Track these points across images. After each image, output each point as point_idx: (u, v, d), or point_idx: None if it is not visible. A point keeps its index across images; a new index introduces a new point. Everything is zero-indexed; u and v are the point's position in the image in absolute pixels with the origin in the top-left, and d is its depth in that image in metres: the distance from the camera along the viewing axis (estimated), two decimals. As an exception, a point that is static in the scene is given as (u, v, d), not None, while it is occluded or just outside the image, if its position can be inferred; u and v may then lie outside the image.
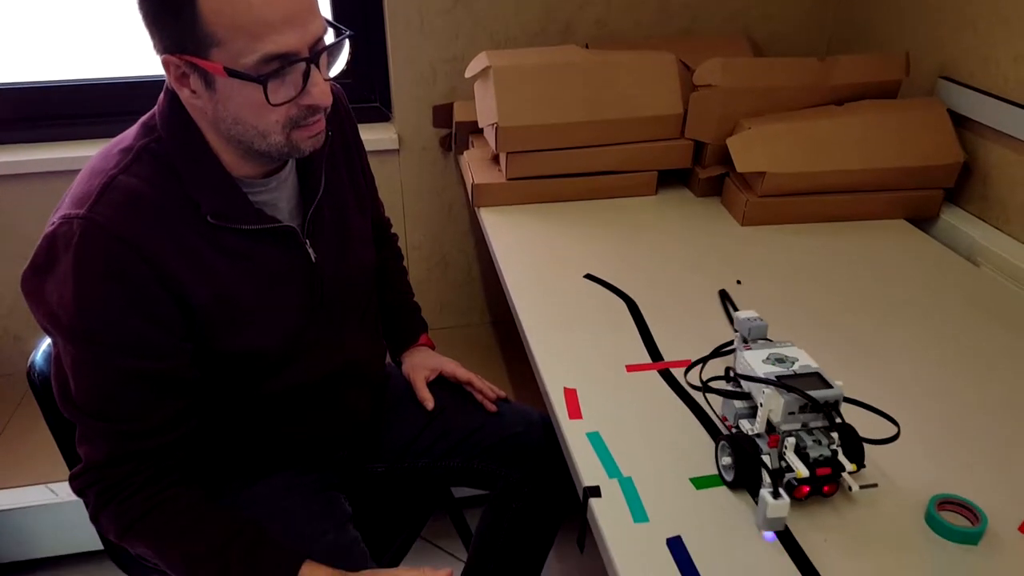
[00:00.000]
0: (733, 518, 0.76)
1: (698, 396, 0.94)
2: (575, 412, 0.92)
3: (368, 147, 1.11)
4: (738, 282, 1.19)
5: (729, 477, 0.78)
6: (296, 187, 0.93)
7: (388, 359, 1.22)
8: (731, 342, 0.95)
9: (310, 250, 0.92)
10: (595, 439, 0.87)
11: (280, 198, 0.90)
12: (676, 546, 0.72)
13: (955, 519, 0.75)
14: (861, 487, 0.74)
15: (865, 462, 0.77)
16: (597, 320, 1.10)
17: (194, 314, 0.82)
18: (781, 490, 0.72)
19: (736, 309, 0.92)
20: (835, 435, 0.74)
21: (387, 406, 1.15)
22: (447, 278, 1.98)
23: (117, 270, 0.76)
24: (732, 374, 0.83)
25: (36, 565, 1.56)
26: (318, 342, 0.95)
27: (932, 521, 0.74)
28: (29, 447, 1.56)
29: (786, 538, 0.74)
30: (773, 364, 0.77)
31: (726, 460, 0.79)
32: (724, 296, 1.08)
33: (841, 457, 0.74)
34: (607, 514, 0.77)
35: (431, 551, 0.88)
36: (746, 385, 0.80)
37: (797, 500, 0.74)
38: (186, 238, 0.81)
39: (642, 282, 1.19)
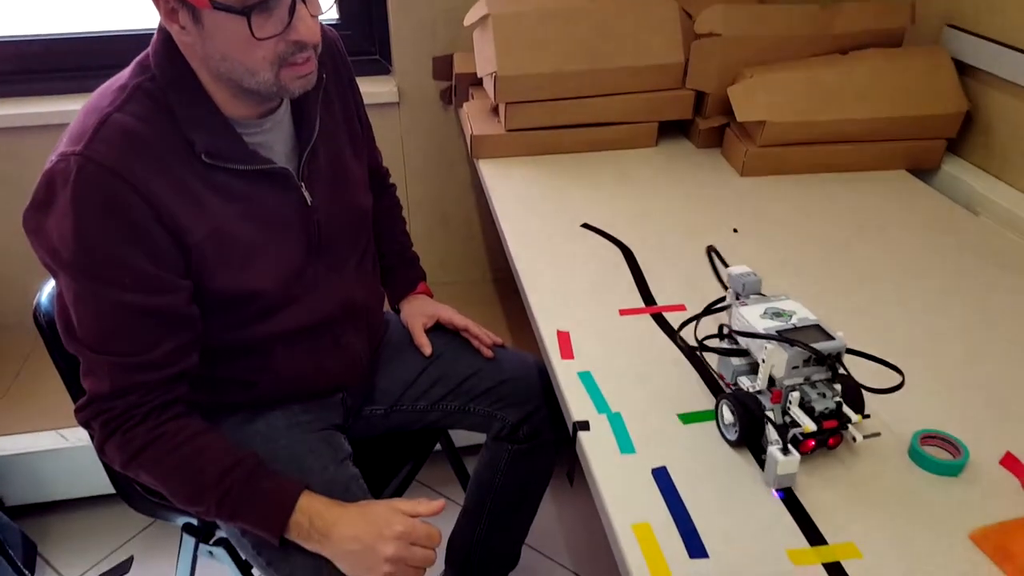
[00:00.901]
0: (717, 450, 0.78)
1: (692, 339, 0.95)
2: (567, 353, 0.93)
3: (368, 100, 1.11)
4: (734, 230, 1.20)
5: (732, 436, 0.76)
6: (291, 130, 0.93)
7: (387, 307, 1.23)
8: (722, 299, 0.93)
9: (306, 193, 0.93)
10: (586, 378, 0.89)
11: (275, 140, 0.91)
12: (661, 476, 0.74)
13: (938, 453, 0.76)
14: (865, 437, 0.74)
15: (867, 411, 0.76)
16: (592, 267, 1.11)
17: (190, 252, 0.84)
18: (790, 446, 0.71)
19: (726, 265, 0.90)
20: (838, 387, 0.73)
21: (385, 352, 1.17)
22: (448, 234, 1.98)
23: (114, 205, 0.77)
24: (727, 331, 0.81)
25: (49, 508, 1.61)
26: (316, 285, 0.97)
27: (915, 455, 0.75)
28: (40, 394, 1.59)
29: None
30: (771, 319, 0.76)
31: (728, 418, 0.77)
32: (712, 252, 1.06)
33: (846, 408, 0.72)
34: (595, 447, 0.78)
35: (430, 496, 0.90)
36: (743, 341, 0.79)
37: (802, 455, 0.73)
38: (181, 176, 0.82)
39: (639, 231, 1.19)
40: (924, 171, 1.39)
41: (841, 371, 0.73)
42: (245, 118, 0.87)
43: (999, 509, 0.70)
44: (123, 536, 1.60)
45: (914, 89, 1.33)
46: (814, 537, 0.68)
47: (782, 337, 0.72)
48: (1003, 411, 0.83)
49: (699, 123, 1.46)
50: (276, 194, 0.90)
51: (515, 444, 1.15)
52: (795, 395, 0.72)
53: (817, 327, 0.74)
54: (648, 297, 1.04)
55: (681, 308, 1.01)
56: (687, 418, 0.82)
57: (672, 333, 0.96)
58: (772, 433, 0.72)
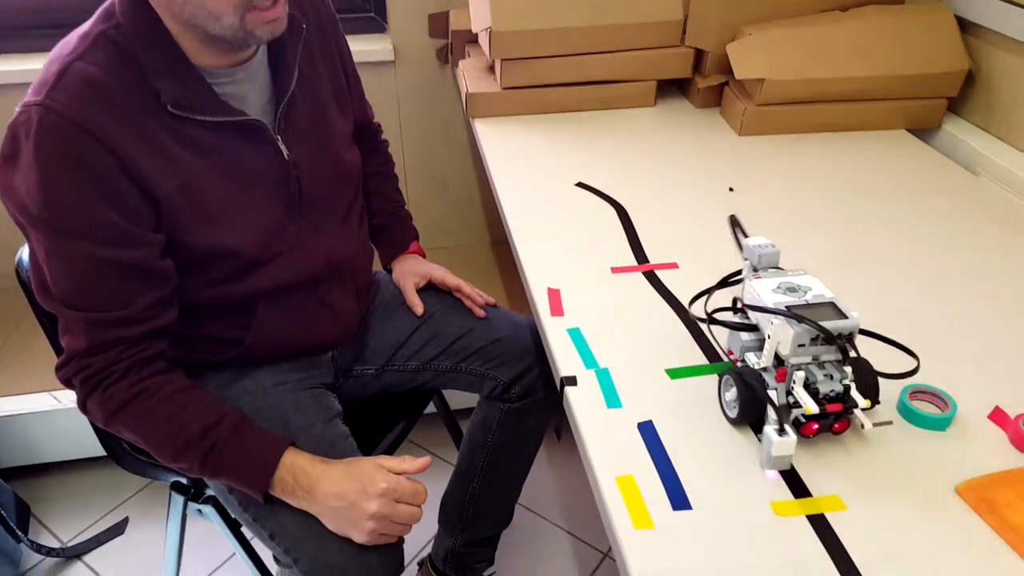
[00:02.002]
0: (704, 405, 0.77)
1: (683, 297, 0.94)
2: (557, 310, 0.92)
3: (362, 59, 1.09)
4: (730, 189, 1.18)
5: (733, 414, 0.73)
6: (268, 81, 0.91)
7: (379, 266, 1.22)
8: (739, 271, 0.86)
9: (282, 147, 0.91)
10: (575, 334, 0.88)
11: (249, 90, 0.88)
12: (647, 429, 0.73)
13: (926, 407, 0.75)
14: (875, 424, 0.70)
15: (880, 398, 0.71)
16: (586, 225, 1.09)
17: (159, 205, 0.82)
18: (787, 427, 0.67)
19: (746, 235, 0.85)
20: (848, 369, 0.69)
21: (376, 312, 1.16)
22: (446, 199, 1.96)
23: (76, 156, 0.75)
24: (740, 305, 0.77)
25: (43, 470, 1.62)
26: (298, 242, 0.95)
27: (903, 409, 0.74)
28: (33, 356, 1.59)
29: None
30: (784, 293, 0.71)
31: (730, 395, 0.74)
32: (734, 223, 0.98)
33: (854, 393, 0.68)
34: (582, 401, 0.78)
35: (422, 455, 0.89)
36: (753, 316, 0.75)
37: (805, 438, 0.70)
38: (147, 127, 0.80)
39: (634, 191, 1.18)
40: (924, 131, 1.36)
41: (853, 353, 0.68)
42: (216, 67, 0.84)
43: (986, 463, 0.69)
44: (118, 498, 1.61)
45: (915, 47, 1.30)
46: (798, 489, 0.67)
47: (789, 313, 0.68)
48: (992, 366, 0.82)
49: (698, 82, 1.44)
50: (250, 147, 0.88)
51: (507, 403, 1.15)
52: (800, 375, 0.68)
53: (831, 305, 0.70)
54: (641, 255, 1.03)
55: (673, 266, 1.00)
56: (675, 373, 0.81)
57: (665, 291, 0.95)
58: (771, 413, 0.69)
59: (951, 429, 0.73)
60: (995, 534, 0.63)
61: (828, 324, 0.67)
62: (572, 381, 0.80)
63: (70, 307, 0.81)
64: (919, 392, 0.76)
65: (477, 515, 1.23)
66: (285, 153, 0.91)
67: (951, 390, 0.76)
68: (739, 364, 0.77)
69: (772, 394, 0.69)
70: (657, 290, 0.96)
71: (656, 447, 0.72)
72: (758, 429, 0.73)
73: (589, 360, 0.83)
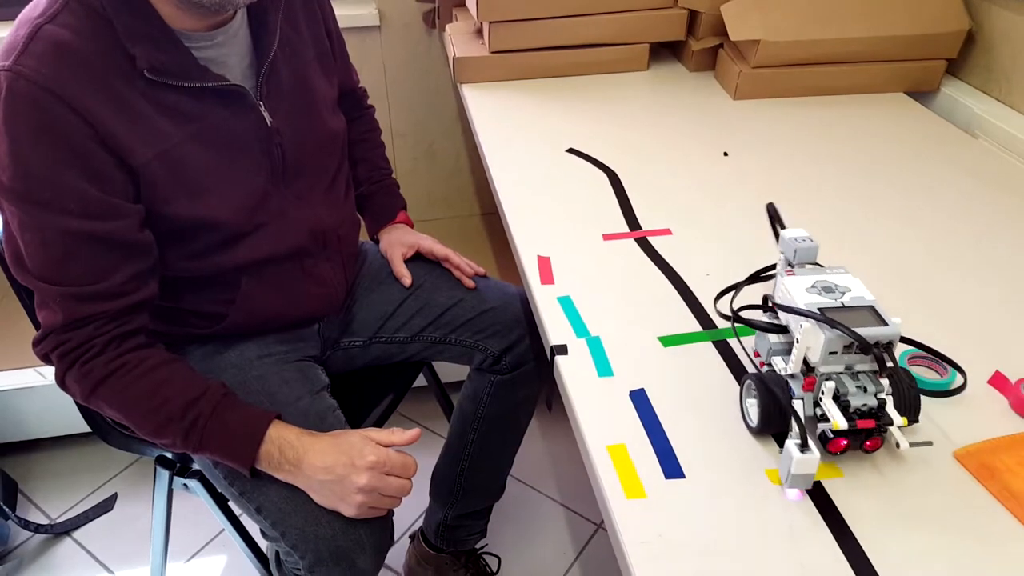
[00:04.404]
0: (697, 372, 0.75)
1: (676, 263, 0.92)
2: (547, 278, 0.90)
3: (347, 24, 1.05)
4: (724, 154, 1.15)
5: (754, 422, 0.67)
6: (249, 45, 0.88)
7: (366, 237, 1.19)
8: (771, 266, 0.79)
9: (265, 113, 0.88)
10: (566, 303, 0.86)
11: (229, 55, 0.85)
12: (639, 398, 0.72)
13: (926, 372, 0.73)
14: (912, 445, 0.63)
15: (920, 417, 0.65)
16: (577, 192, 1.07)
17: (137, 175, 0.79)
18: (811, 442, 0.61)
19: (783, 227, 0.75)
20: (884, 382, 0.62)
21: (364, 283, 1.13)
22: (434, 169, 1.93)
23: (48, 124, 0.72)
24: (771, 303, 0.70)
25: (30, 446, 1.60)
26: (282, 212, 0.92)
27: (902, 375, 0.73)
28: (17, 331, 1.57)
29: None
30: (819, 294, 0.65)
31: (751, 402, 0.68)
32: (772, 213, 0.86)
33: (890, 408, 0.62)
34: (573, 370, 0.76)
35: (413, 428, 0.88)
36: (783, 316, 0.68)
37: (832, 455, 0.63)
38: (122, 94, 0.76)
39: (626, 156, 1.15)
40: (923, 93, 1.33)
41: (890, 364, 0.62)
42: (194, 31, 0.80)
43: (986, 428, 0.68)
44: (106, 474, 1.59)
45: (913, 7, 1.27)
46: (782, 438, 0.65)
47: (822, 316, 0.61)
48: (993, 331, 0.80)
49: (692, 44, 1.40)
50: (231, 114, 0.85)
51: (498, 375, 1.13)
52: (829, 385, 0.62)
53: (871, 309, 0.63)
54: (633, 222, 1.00)
55: (667, 232, 0.98)
56: (668, 341, 0.79)
57: (658, 258, 0.93)
58: (794, 425, 0.62)
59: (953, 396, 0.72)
60: (994, 500, 0.61)
61: (864, 331, 0.60)
62: (563, 350, 0.78)
63: (45, 281, 0.78)
64: (918, 357, 0.74)
65: (468, 488, 1.21)
66: (268, 120, 0.88)
67: (951, 355, 0.75)
68: (765, 368, 0.70)
69: (797, 404, 0.63)
70: (650, 257, 0.93)
71: (648, 415, 0.70)
72: (781, 440, 0.67)
73: (580, 328, 0.81)
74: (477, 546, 1.32)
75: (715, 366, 0.76)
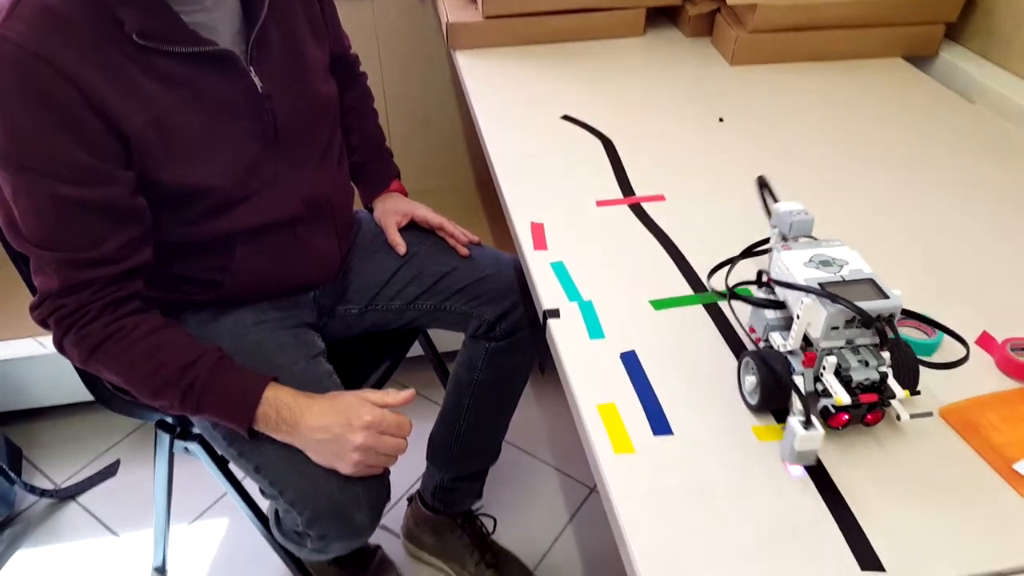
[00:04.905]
0: (687, 334, 0.76)
1: (669, 229, 0.92)
2: (540, 244, 0.90)
3: (337, -9, 1.04)
4: (720, 119, 1.15)
5: (753, 400, 0.66)
6: (238, 9, 0.87)
7: (360, 205, 1.20)
8: (765, 240, 0.77)
9: (255, 78, 0.87)
10: (558, 268, 0.86)
11: (218, 19, 0.84)
12: (629, 359, 0.73)
13: (913, 333, 0.74)
14: (912, 416, 0.63)
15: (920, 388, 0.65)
16: (571, 159, 1.07)
17: (128, 141, 0.79)
18: (814, 418, 0.60)
19: (776, 200, 0.74)
20: (886, 355, 0.62)
21: (358, 252, 1.14)
22: (429, 137, 1.92)
23: (37, 89, 0.72)
24: (766, 279, 0.70)
25: (34, 415, 1.62)
26: (275, 180, 0.93)
27: (889, 336, 0.73)
28: (17, 301, 1.57)
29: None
30: (817, 267, 0.64)
31: (750, 380, 0.66)
32: (763, 185, 0.83)
33: (892, 381, 0.62)
34: (565, 333, 0.77)
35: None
36: (780, 292, 0.67)
37: (833, 429, 0.63)
38: (111, 59, 0.76)
39: (621, 123, 1.14)
40: (921, 59, 1.33)
41: (891, 336, 0.61)
42: None
43: (972, 388, 0.69)
44: (109, 441, 1.61)
45: (914, -31, 1.26)
46: (781, 414, 0.66)
47: (823, 291, 0.60)
48: (981, 292, 0.81)
49: (688, 9, 1.39)
50: (222, 80, 0.84)
51: (492, 342, 1.14)
52: (831, 360, 0.61)
53: (870, 282, 0.62)
54: (627, 188, 1.01)
55: (660, 198, 0.98)
56: (659, 304, 0.80)
57: (651, 224, 0.93)
58: (796, 402, 0.62)
59: (938, 354, 0.73)
60: (977, 455, 0.63)
61: (866, 305, 0.59)
62: (555, 313, 0.79)
63: (40, 247, 0.78)
64: (907, 319, 0.75)
65: (464, 452, 1.23)
66: (258, 85, 0.88)
67: (939, 316, 0.75)
68: (762, 344, 0.70)
69: (798, 380, 0.63)
70: (643, 222, 0.94)
71: (638, 376, 0.71)
72: (779, 416, 0.67)
73: (572, 293, 0.82)
74: (473, 508, 1.34)
75: (705, 329, 0.77)
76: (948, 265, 0.86)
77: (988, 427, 0.64)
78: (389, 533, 1.41)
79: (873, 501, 0.59)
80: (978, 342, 0.74)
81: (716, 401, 0.68)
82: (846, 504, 0.59)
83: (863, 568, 0.55)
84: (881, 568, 0.54)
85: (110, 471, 1.55)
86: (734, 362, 0.73)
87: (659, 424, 0.65)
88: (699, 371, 0.72)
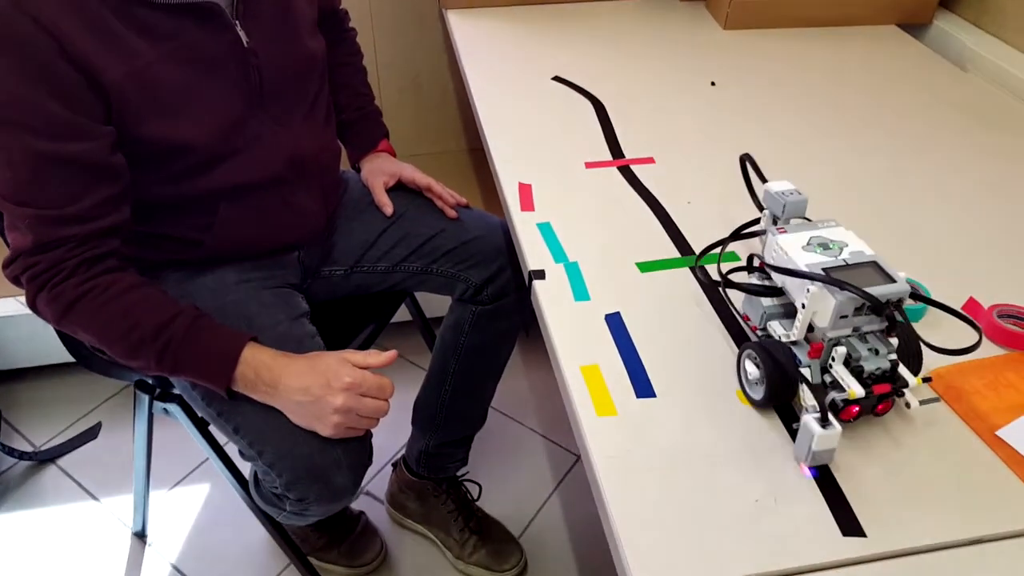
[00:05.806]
0: (673, 297, 0.75)
1: (658, 191, 0.91)
2: (528, 205, 0.89)
3: (325, -60, 1.01)
4: (712, 83, 1.13)
5: (756, 395, 0.62)
6: None
7: (347, 165, 1.17)
8: (754, 222, 0.74)
9: (241, 32, 0.85)
10: (545, 229, 0.85)
11: None
12: (614, 321, 0.72)
13: (900, 299, 0.73)
14: (921, 403, 0.59)
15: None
16: (561, 120, 1.05)
17: (108, 94, 0.76)
18: (831, 415, 0.57)
19: (764, 180, 0.71)
20: (895, 341, 0.59)
21: (345, 212, 1.12)
22: (420, 100, 1.89)
23: (14, 40, 0.70)
24: (758, 263, 0.66)
25: (14, 376, 1.60)
26: (259, 138, 0.90)
27: (877, 301, 0.73)
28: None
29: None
30: (816, 251, 0.60)
31: (752, 373, 0.62)
32: (748, 162, 0.78)
33: (902, 369, 0.59)
34: (550, 294, 0.76)
35: (398, 362, 0.87)
36: (778, 279, 0.63)
37: (843, 423, 0.59)
38: (91, 9, 0.73)
39: (612, 85, 1.13)
40: (915, 26, 1.31)
41: (899, 320, 0.57)
42: None
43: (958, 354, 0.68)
44: (91, 404, 1.60)
45: (914, -67, 1.23)
46: (779, 411, 0.65)
47: (830, 278, 0.56)
48: (969, 259, 0.81)
49: (682, -28, 1.36)
50: (206, 33, 0.82)
51: (480, 305, 1.13)
52: (840, 350, 0.58)
53: (874, 265, 0.58)
54: (616, 150, 0.99)
55: (650, 161, 0.97)
56: (645, 267, 0.79)
57: (639, 186, 0.92)
58: (808, 398, 0.58)
59: (924, 319, 0.72)
60: (961, 421, 0.62)
61: (876, 290, 0.55)
62: (540, 275, 0.78)
63: (14, 203, 0.76)
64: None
65: (450, 416, 1.23)
66: (244, 40, 0.85)
67: (927, 282, 0.75)
68: (759, 334, 0.66)
69: (805, 373, 0.59)
70: (632, 185, 0.92)
71: (623, 337, 0.70)
72: (782, 411, 0.64)
73: (559, 254, 0.81)
74: (458, 474, 1.34)
75: (691, 291, 0.76)
76: (936, 232, 0.85)
77: (972, 393, 0.64)
78: (373, 500, 1.41)
79: (856, 469, 0.59)
80: (965, 308, 0.73)
81: (700, 364, 0.68)
82: (828, 470, 0.59)
83: (845, 534, 0.54)
84: (863, 534, 0.54)
85: (91, 434, 1.53)
86: (720, 325, 0.72)
87: (642, 387, 0.65)
88: (684, 334, 0.71)
